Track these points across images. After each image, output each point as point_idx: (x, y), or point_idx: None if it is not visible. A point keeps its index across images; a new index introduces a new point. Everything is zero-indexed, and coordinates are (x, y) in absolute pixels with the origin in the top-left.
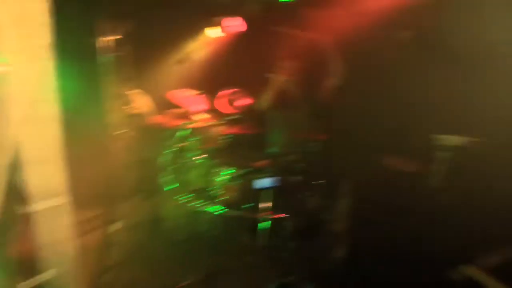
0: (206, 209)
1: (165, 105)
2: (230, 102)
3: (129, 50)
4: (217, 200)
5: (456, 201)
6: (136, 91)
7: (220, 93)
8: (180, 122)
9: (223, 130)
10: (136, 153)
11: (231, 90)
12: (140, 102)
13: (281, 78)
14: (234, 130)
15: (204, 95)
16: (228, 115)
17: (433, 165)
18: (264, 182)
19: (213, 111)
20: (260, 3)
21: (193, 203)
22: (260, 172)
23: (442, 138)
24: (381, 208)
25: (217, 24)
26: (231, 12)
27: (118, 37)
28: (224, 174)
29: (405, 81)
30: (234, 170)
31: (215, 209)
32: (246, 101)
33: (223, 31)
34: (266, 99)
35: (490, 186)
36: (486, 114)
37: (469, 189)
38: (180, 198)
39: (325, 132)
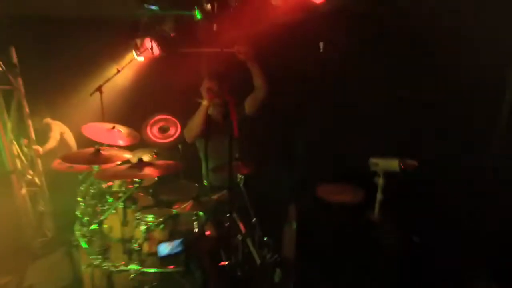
0: (130, 266)
1: (80, 142)
2: (158, 131)
3: (20, 82)
4: (140, 254)
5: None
6: (48, 125)
7: (145, 123)
8: (97, 162)
9: (147, 168)
10: (45, 203)
11: (156, 118)
12: (52, 139)
13: (205, 102)
14: (160, 167)
15: (125, 127)
16: (154, 146)
17: (371, 193)
18: (168, 248)
19: (136, 144)
20: (176, 22)
21: (113, 262)
22: (189, 215)
23: (378, 162)
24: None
25: (137, 47)
26: (149, 34)
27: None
28: (147, 222)
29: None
30: (156, 217)
31: (138, 265)
32: (174, 130)
33: (143, 54)
34: (192, 127)
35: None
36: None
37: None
38: (98, 255)
39: (253, 160)
